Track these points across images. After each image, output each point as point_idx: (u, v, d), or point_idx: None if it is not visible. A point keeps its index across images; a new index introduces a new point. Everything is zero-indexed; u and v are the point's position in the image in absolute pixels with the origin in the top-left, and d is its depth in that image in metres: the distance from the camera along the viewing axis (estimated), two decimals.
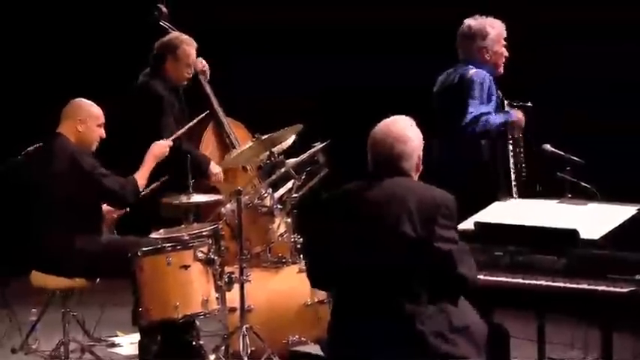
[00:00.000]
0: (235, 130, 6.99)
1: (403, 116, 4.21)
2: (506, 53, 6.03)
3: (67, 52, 8.77)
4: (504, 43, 6.02)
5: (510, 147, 5.97)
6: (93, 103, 5.94)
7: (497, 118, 5.86)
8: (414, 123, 4.21)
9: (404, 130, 4.15)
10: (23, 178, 5.81)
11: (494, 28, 5.99)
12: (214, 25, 8.14)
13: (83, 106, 5.90)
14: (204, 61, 7.02)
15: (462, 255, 4.03)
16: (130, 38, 7.11)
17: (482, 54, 5.98)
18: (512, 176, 5.94)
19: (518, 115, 5.95)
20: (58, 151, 5.77)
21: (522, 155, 6.00)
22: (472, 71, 5.91)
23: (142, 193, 5.94)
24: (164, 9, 7.05)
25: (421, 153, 4.19)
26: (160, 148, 6.06)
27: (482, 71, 5.91)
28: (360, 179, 4.16)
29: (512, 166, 5.96)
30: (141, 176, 5.90)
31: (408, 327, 3.95)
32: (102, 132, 5.91)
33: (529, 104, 6.05)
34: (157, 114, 6.55)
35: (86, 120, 5.86)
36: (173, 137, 6.20)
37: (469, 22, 6.03)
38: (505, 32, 6.02)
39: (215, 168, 6.74)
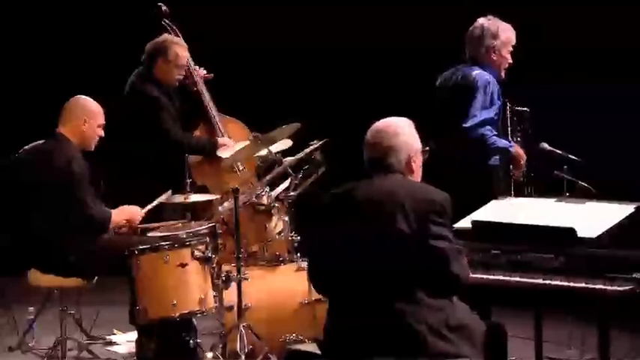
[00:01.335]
0: (231, 126, 6.99)
1: (402, 118, 4.23)
2: (510, 60, 6.01)
3: (68, 52, 8.77)
4: (511, 49, 6.00)
5: None
6: (95, 101, 5.91)
7: (500, 142, 5.83)
8: (411, 124, 4.22)
9: (396, 126, 4.17)
10: (23, 176, 5.80)
11: (505, 31, 5.97)
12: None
13: (88, 106, 5.87)
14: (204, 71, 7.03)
15: (455, 253, 4.03)
16: (132, 37, 7.10)
17: (489, 53, 5.95)
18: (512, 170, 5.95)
19: (519, 151, 5.90)
20: (57, 152, 5.74)
21: None
22: (475, 72, 5.88)
23: (148, 209, 5.93)
24: (164, 8, 7.05)
25: (416, 156, 4.18)
26: (135, 214, 5.90)
27: (486, 73, 5.88)
28: (355, 179, 4.17)
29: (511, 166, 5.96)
30: (114, 216, 5.78)
31: (405, 326, 3.95)
32: (101, 132, 5.90)
33: (526, 109, 6.04)
34: (156, 116, 6.56)
35: (90, 120, 5.84)
36: (149, 207, 5.97)
37: (482, 21, 6.00)
38: (515, 39, 5.99)
39: (225, 140, 6.76)
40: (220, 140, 6.79)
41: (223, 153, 6.55)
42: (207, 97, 6.93)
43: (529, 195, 5.85)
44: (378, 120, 4.24)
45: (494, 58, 5.97)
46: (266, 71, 8.57)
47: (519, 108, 6.03)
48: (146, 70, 6.72)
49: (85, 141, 5.85)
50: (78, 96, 5.91)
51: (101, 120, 5.88)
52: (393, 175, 4.12)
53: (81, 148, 5.83)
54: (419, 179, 4.22)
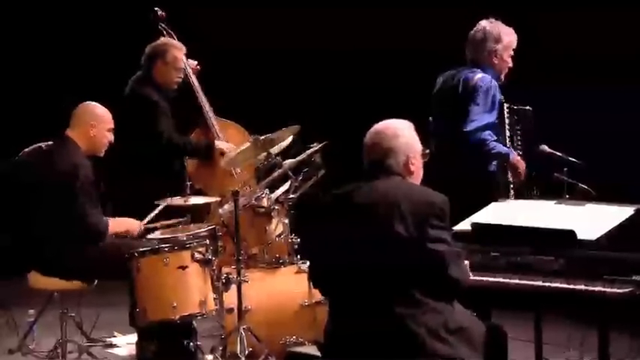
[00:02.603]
0: (230, 130, 7.00)
1: (402, 119, 4.23)
2: (510, 64, 6.02)
3: (68, 56, 8.78)
4: (512, 53, 6.01)
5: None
6: (103, 107, 5.93)
7: (500, 148, 5.83)
8: (411, 126, 4.22)
9: (395, 128, 4.18)
10: (24, 178, 5.80)
11: (507, 35, 5.97)
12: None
13: (95, 111, 5.88)
14: (194, 62, 7.06)
15: (454, 257, 4.03)
16: (130, 42, 7.12)
17: (491, 57, 5.95)
18: (511, 179, 5.94)
19: (518, 159, 5.89)
20: (62, 156, 5.74)
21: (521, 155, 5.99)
22: (478, 76, 5.87)
23: (147, 220, 5.96)
24: (161, 12, 7.06)
25: (416, 157, 4.18)
26: (134, 226, 5.93)
27: (488, 77, 5.87)
28: (354, 181, 4.17)
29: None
30: (112, 227, 5.80)
31: (403, 328, 3.95)
32: (111, 137, 5.90)
33: (528, 108, 6.04)
34: (153, 119, 6.58)
35: (98, 124, 5.84)
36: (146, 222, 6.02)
37: (484, 24, 5.99)
38: (516, 43, 6.00)
39: (222, 144, 6.77)
40: (218, 144, 6.80)
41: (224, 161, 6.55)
42: (198, 88, 6.95)
43: (529, 197, 5.85)
44: (378, 122, 4.24)
45: (496, 61, 5.97)
46: (265, 74, 8.58)
47: (521, 107, 6.03)
48: (146, 73, 6.75)
49: (94, 146, 5.85)
50: (87, 102, 5.93)
51: (110, 124, 5.89)
52: (392, 177, 4.13)
53: (90, 154, 5.83)
54: (419, 181, 4.22)
